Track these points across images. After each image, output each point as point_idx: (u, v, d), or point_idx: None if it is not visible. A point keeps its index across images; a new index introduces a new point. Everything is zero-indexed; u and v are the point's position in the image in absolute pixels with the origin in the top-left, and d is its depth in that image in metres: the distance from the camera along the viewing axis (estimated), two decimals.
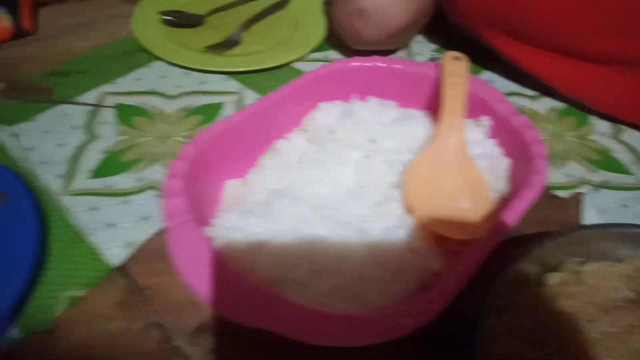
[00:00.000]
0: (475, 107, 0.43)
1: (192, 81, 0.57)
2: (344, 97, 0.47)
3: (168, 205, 0.33)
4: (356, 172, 0.40)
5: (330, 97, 0.47)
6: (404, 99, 0.47)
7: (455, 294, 0.28)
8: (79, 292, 0.36)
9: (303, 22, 0.67)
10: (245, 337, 0.32)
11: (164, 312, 0.35)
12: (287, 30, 0.66)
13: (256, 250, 0.33)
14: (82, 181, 0.44)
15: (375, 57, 0.48)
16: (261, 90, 0.56)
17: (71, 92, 0.54)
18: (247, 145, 0.42)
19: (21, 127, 0.49)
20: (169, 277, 0.37)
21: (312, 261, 0.33)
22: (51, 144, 0.48)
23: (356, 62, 0.48)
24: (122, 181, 0.44)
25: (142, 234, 0.40)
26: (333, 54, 0.63)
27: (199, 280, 0.29)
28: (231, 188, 0.40)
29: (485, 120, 0.43)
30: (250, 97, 0.55)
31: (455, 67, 0.45)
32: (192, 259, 0.30)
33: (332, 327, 0.26)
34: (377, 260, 0.34)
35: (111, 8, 0.68)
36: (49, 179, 0.44)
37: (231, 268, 0.29)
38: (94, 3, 0.69)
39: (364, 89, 0.47)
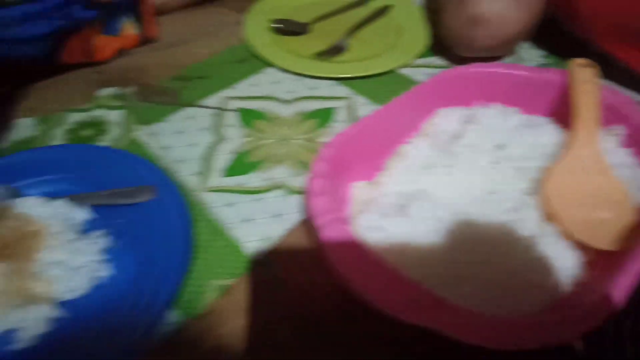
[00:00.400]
0: (607, 115, 0.42)
1: (304, 87, 0.60)
2: (464, 103, 0.48)
3: (315, 204, 0.36)
4: (485, 177, 0.41)
5: (449, 103, 0.48)
6: (527, 105, 0.47)
7: (621, 303, 0.28)
8: (227, 282, 0.39)
9: (405, 28, 0.68)
10: (378, 330, 0.33)
11: (304, 305, 0.37)
12: (390, 36, 0.67)
13: (400, 251, 0.34)
14: (216, 179, 0.47)
15: (496, 63, 0.48)
16: (370, 95, 0.58)
17: (195, 96, 0.58)
18: (373, 149, 0.44)
19: (156, 127, 0.54)
20: (306, 272, 0.39)
21: (454, 263, 0.34)
22: (184, 143, 0.52)
23: (477, 68, 0.48)
24: (252, 180, 0.47)
25: (276, 229, 0.42)
26: (438, 61, 0.64)
27: (358, 278, 0.30)
28: (359, 190, 0.42)
29: (619, 129, 0.42)
30: (360, 102, 0.57)
31: (585, 74, 0.44)
32: (348, 257, 0.31)
33: (497, 330, 0.27)
34: (516, 267, 0.34)
35: (222, 17, 0.72)
36: (186, 176, 0.48)
37: (391, 268, 0.30)
38: (206, 12, 0.74)
39: (485, 95, 0.48)
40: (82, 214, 0.42)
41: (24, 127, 0.54)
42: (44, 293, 0.36)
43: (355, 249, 0.32)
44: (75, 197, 0.43)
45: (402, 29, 0.69)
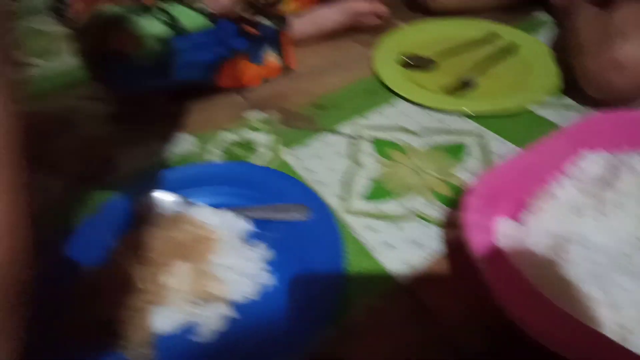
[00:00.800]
0: None
1: (433, 120, 0.62)
2: (611, 147, 0.48)
3: (472, 238, 0.37)
4: None
5: (595, 146, 0.48)
6: None
7: None
8: (373, 302, 0.41)
9: (534, 66, 0.69)
10: None
11: (450, 331, 0.39)
12: (519, 74, 0.68)
13: (561, 292, 0.35)
14: (357, 203, 0.51)
15: None
16: (501, 132, 0.59)
17: (331, 123, 0.63)
18: (518, 187, 0.45)
19: (298, 150, 0.59)
20: (459, 302, 0.40)
21: (617, 308, 0.34)
22: (324, 167, 0.56)
23: (626, 113, 0.48)
24: (390, 207, 0.50)
25: (417, 257, 0.45)
26: (569, 101, 0.63)
27: (526, 312, 0.32)
28: (505, 226, 0.43)
29: None
30: (491, 138, 0.58)
31: None
32: (515, 293, 0.33)
33: None
34: None
35: (351, 50, 0.77)
36: (329, 198, 0.52)
37: (561, 306, 0.31)
38: (337, 46, 0.79)
39: (633, 140, 0.47)
40: (245, 225, 0.47)
41: (185, 142, 0.61)
42: (218, 293, 0.41)
43: (522, 286, 0.33)
44: (238, 210, 0.48)
45: (530, 67, 0.69)
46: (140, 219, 0.46)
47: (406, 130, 0.61)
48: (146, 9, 0.59)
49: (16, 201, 0.23)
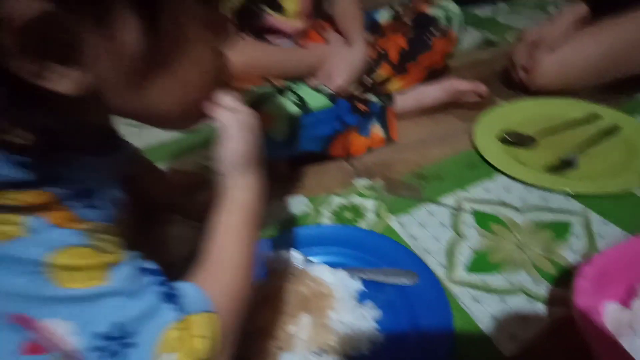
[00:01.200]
0: None
1: (535, 197, 0.65)
2: None
3: (583, 320, 0.40)
4: None
5: None
6: None
7: None
8: None
9: (638, 149, 0.69)
10: None
11: None
12: (622, 156, 0.69)
13: None
14: (461, 273, 0.54)
15: None
16: (606, 214, 0.60)
17: (433, 194, 0.67)
18: (629, 273, 0.46)
19: (403, 218, 0.64)
20: None
21: None
22: (428, 235, 0.60)
23: None
24: (494, 280, 0.53)
25: (523, 331, 0.47)
26: None
27: None
28: (614, 311, 0.44)
29: None
30: (596, 220, 0.60)
31: None
32: None
33: None
34: None
35: (452, 125, 0.83)
36: (433, 265, 0.56)
37: None
38: (437, 120, 0.85)
39: None
40: (356, 285, 0.52)
41: (299, 204, 0.69)
42: (336, 346, 0.46)
43: None
44: (350, 270, 0.54)
45: (633, 149, 0.70)
46: (272, 271, 0.53)
47: (508, 206, 0.64)
48: (280, 91, 0.69)
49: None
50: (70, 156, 0.29)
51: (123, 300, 0.29)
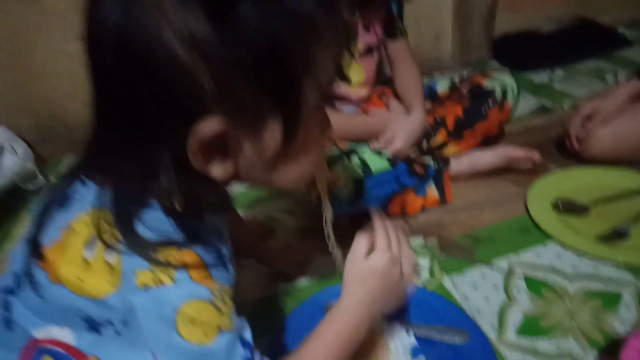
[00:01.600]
0: None
1: (587, 266, 0.67)
2: None
3: None
4: None
5: None
6: None
7: None
8: None
9: None
10: None
11: None
12: None
13: None
14: (511, 335, 0.58)
15: None
16: None
17: (485, 256, 0.71)
18: None
19: (456, 278, 0.68)
20: None
21: None
22: (480, 296, 0.64)
23: None
24: (544, 345, 0.56)
25: None
26: None
27: None
28: None
29: None
30: None
31: None
32: None
33: None
34: None
35: (506, 189, 0.87)
36: (484, 326, 0.59)
37: None
38: (490, 183, 0.89)
39: None
40: (410, 340, 0.57)
41: None
42: None
43: None
44: (404, 325, 0.59)
45: None
46: None
47: (559, 272, 0.67)
48: (346, 154, 0.77)
49: None
50: (205, 218, 0.38)
51: None
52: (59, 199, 0.37)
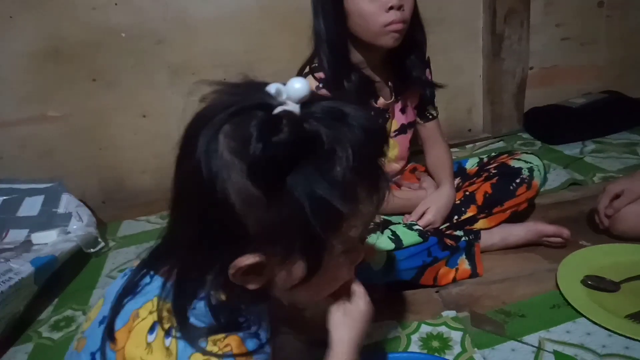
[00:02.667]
0: None
1: (617, 345, 0.68)
2: None
3: None
4: None
5: None
6: None
7: None
8: None
9: None
10: None
11: None
12: None
13: None
14: None
15: None
16: None
17: (517, 332, 0.73)
18: None
19: (487, 352, 0.70)
20: None
21: None
22: None
23: None
24: None
25: None
26: None
27: None
28: None
29: None
30: None
31: None
32: None
33: None
34: None
35: (536, 264, 0.90)
36: None
37: None
38: (521, 257, 0.92)
39: None
40: None
41: (389, 328, 0.79)
42: None
43: None
44: None
45: None
46: None
47: (589, 350, 0.68)
48: (380, 226, 0.83)
49: None
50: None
51: None
52: (130, 288, 0.45)
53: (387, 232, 0.82)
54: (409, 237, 0.82)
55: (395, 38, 0.86)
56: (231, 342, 0.41)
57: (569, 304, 0.77)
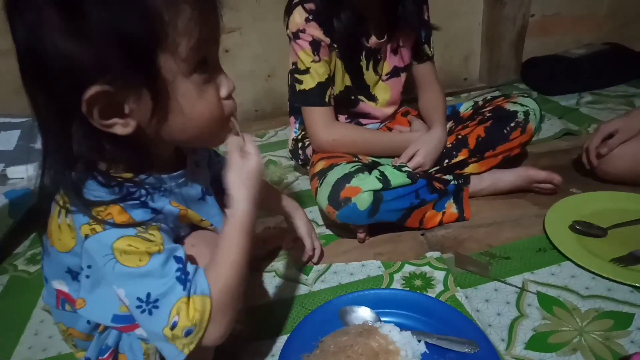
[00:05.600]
0: None
1: (600, 287, 0.68)
2: None
3: None
4: None
5: None
6: None
7: None
8: None
9: None
10: None
11: None
12: None
13: None
14: (519, 349, 0.59)
15: None
16: None
17: (500, 273, 0.73)
18: None
19: (469, 292, 0.70)
20: None
21: None
22: (491, 311, 0.66)
23: None
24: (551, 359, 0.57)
25: None
26: None
27: None
28: None
29: None
30: None
31: None
32: None
33: None
34: None
35: (525, 209, 0.88)
36: (494, 339, 0.61)
37: None
38: (509, 203, 0.91)
39: None
40: (421, 347, 0.59)
41: (373, 267, 0.78)
42: None
43: None
44: (415, 333, 0.61)
45: None
46: (347, 324, 0.62)
47: (572, 291, 0.68)
48: (367, 167, 0.81)
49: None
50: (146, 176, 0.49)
51: (155, 279, 0.45)
52: None
53: (375, 172, 0.79)
54: (397, 178, 0.80)
55: None
56: (112, 211, 0.46)
57: (555, 247, 0.77)
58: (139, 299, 0.45)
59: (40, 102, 0.44)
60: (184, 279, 0.47)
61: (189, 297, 0.46)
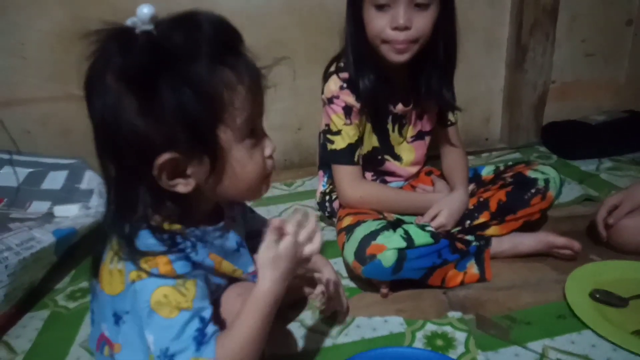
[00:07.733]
0: None
1: (621, 358, 0.69)
2: None
3: None
4: None
5: None
6: None
7: None
8: None
9: None
10: None
11: None
12: None
13: None
14: None
15: None
16: None
17: (521, 338, 0.75)
18: None
19: (490, 355, 0.71)
20: None
21: None
22: None
23: None
24: None
25: None
26: None
27: None
28: None
29: None
30: None
31: None
32: None
33: None
34: None
35: (545, 274, 0.90)
36: None
37: None
38: (529, 266, 0.93)
39: None
40: None
41: (396, 323, 0.80)
42: None
43: None
44: None
45: None
46: None
47: None
48: (393, 225, 0.85)
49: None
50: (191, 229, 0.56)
51: (175, 335, 0.50)
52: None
53: (400, 231, 0.83)
54: (421, 238, 0.83)
55: (399, 54, 0.87)
56: (159, 262, 0.51)
57: (575, 315, 0.78)
58: (161, 349, 0.50)
59: (111, 167, 0.51)
60: (200, 340, 0.51)
61: (198, 357, 0.50)
